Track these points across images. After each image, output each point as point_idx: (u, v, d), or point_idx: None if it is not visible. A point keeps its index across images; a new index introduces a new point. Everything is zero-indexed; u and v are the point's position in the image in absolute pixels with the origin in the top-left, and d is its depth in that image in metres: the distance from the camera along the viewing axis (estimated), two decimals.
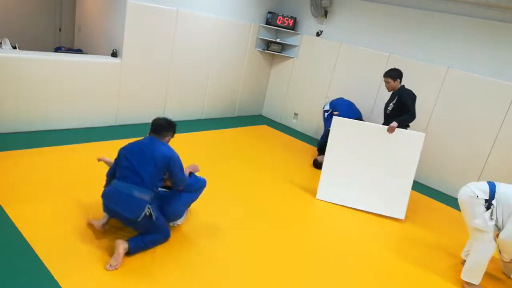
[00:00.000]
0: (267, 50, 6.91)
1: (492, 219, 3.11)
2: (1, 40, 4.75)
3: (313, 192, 4.46)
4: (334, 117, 4.49)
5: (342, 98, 5.71)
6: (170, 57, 5.61)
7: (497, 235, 3.17)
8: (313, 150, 6.01)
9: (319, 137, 5.90)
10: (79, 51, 6.28)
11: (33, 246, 2.69)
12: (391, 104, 4.63)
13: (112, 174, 2.94)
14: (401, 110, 4.46)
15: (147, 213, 2.74)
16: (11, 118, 4.35)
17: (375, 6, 5.95)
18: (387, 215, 4.28)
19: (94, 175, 3.72)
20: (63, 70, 4.62)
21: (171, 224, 3.19)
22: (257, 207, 3.97)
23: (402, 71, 4.63)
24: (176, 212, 3.12)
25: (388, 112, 4.68)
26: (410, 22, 5.61)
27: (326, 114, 5.55)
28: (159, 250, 2.93)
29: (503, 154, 4.91)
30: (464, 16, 5.14)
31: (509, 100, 4.84)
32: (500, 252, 3.36)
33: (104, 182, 3.05)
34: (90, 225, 3.02)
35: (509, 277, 3.55)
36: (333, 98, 5.86)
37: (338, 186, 4.36)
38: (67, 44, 7.03)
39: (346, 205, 4.34)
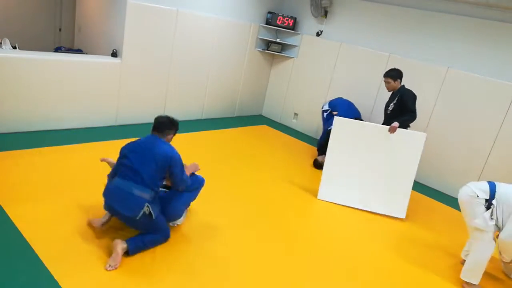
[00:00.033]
0: (267, 50, 6.91)
1: (492, 219, 3.11)
2: (1, 40, 4.75)
3: (313, 192, 4.46)
4: (335, 117, 4.48)
5: (341, 98, 5.71)
6: (170, 57, 5.61)
7: (497, 235, 3.18)
8: (313, 150, 6.01)
9: (319, 137, 5.89)
10: (79, 51, 6.28)
11: (33, 246, 2.69)
12: (391, 104, 4.63)
13: (114, 174, 2.93)
14: (401, 110, 4.47)
15: (147, 212, 2.74)
16: (11, 118, 4.36)
17: (375, 6, 5.95)
18: (388, 214, 4.29)
19: (94, 175, 3.74)
20: (63, 70, 4.62)
21: (171, 224, 3.19)
22: (257, 207, 3.97)
23: (402, 71, 4.64)
24: (176, 212, 3.12)
25: (388, 112, 4.68)
26: (410, 22, 5.61)
27: (325, 114, 5.54)
28: (159, 250, 2.93)
29: (503, 154, 4.91)
30: (464, 16, 5.14)
31: (509, 100, 4.84)
32: (500, 253, 3.36)
33: (105, 183, 3.03)
34: (90, 225, 3.01)
35: (509, 277, 3.55)
36: (332, 98, 5.85)
37: (339, 186, 4.36)
38: (67, 44, 7.04)
39: (347, 205, 4.34)
